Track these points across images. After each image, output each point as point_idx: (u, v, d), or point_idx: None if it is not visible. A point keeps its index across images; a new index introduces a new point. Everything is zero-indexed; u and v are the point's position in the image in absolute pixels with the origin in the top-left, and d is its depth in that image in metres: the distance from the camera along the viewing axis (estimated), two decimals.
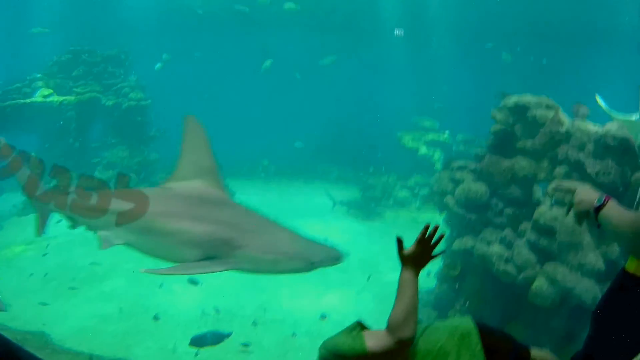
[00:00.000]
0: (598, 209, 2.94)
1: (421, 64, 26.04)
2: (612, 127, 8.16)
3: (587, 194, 3.12)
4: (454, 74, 26.97)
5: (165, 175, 16.16)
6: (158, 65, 22.05)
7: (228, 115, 29.16)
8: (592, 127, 8.62)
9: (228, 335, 8.72)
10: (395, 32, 25.92)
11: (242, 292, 11.31)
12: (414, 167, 20.49)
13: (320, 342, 2.73)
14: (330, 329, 3.20)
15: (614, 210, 2.85)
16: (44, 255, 13.23)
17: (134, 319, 10.20)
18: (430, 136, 21.94)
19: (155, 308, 10.56)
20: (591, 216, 3.02)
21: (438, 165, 20.25)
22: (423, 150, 21.09)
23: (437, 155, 20.93)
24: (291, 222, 13.43)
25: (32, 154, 16.35)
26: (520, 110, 9.58)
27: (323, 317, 10.44)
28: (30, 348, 7.95)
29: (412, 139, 21.70)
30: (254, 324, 10.21)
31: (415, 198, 19.45)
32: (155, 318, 10.28)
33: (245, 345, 9.41)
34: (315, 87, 27.25)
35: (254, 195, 19.43)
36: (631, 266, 2.79)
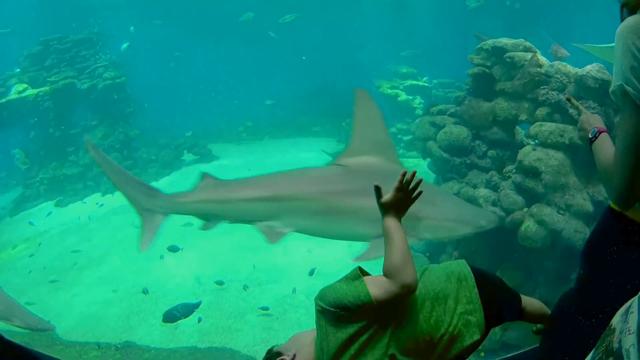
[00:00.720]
0: (591, 140, 2.96)
1: (395, 9, 25.76)
2: (592, 68, 8.22)
3: (589, 122, 3.15)
4: (429, 19, 26.78)
5: (148, 150, 16.20)
6: (124, 46, 21.73)
7: (201, 79, 29.06)
8: (572, 69, 8.68)
9: (197, 305, 8.83)
10: None
11: (236, 256, 11.43)
12: (395, 114, 20.41)
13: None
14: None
15: (603, 145, 2.87)
16: (39, 245, 13.37)
17: (134, 299, 10.27)
18: (409, 82, 21.84)
19: (153, 284, 10.64)
20: (587, 145, 3.05)
21: (419, 111, 20.16)
22: (402, 96, 20.98)
23: (417, 101, 20.86)
24: None
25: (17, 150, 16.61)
26: (497, 53, 9.67)
27: (312, 272, 10.49)
28: (40, 348, 8.06)
29: (390, 86, 21.61)
30: (245, 288, 10.32)
31: (398, 145, 19.41)
32: (147, 292, 10.38)
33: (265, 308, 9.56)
34: (290, 41, 27.00)
35: (240, 158, 19.51)
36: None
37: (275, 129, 23.51)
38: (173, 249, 11.00)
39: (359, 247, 4.94)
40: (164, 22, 27.30)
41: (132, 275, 11.14)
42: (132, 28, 24.24)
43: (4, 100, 17.33)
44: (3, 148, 18.73)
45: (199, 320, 9.19)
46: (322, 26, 27.55)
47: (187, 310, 8.62)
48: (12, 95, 17.47)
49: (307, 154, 19.59)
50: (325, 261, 10.74)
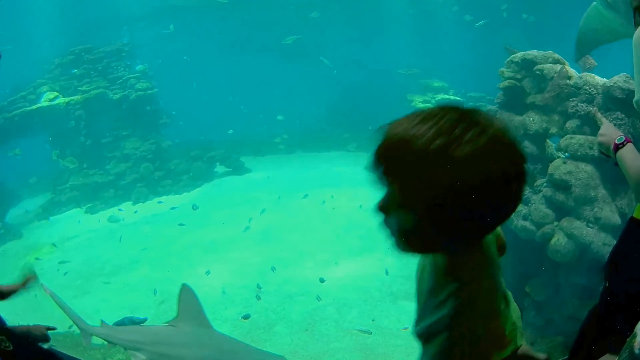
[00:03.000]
0: (617, 147, 2.94)
1: (425, 24, 25.68)
2: (619, 79, 8.10)
3: (610, 130, 3.13)
4: (458, 33, 26.68)
5: (180, 162, 16.32)
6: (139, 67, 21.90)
7: (233, 92, 29.16)
8: (600, 80, 8.59)
9: (143, 320, 8.98)
10: None
11: (266, 268, 11.41)
12: None
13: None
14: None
15: (630, 153, 2.85)
16: (67, 250, 13.54)
17: (162, 307, 10.32)
18: (441, 96, 21.81)
19: None
20: (610, 152, 3.02)
21: None
22: None
23: None
24: (316, 193, 13.25)
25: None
26: (527, 65, 9.58)
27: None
28: (63, 348, 8.10)
29: (422, 100, 21.59)
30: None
31: None
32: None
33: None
34: (323, 55, 27.08)
35: (272, 171, 19.52)
36: (638, 214, 2.81)
37: (308, 142, 23.41)
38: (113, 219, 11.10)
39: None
40: (195, 33, 27.56)
41: (161, 284, 11.14)
42: (185, 57, 24.53)
43: (34, 107, 17.66)
44: (33, 154, 19.00)
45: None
46: (355, 40, 27.52)
47: (133, 324, 8.82)
48: (43, 102, 17.79)
49: (340, 168, 19.60)
50: (357, 275, 10.75)
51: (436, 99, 21.74)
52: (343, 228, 13.29)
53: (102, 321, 9.00)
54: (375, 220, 1.73)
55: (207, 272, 11.29)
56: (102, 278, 11.86)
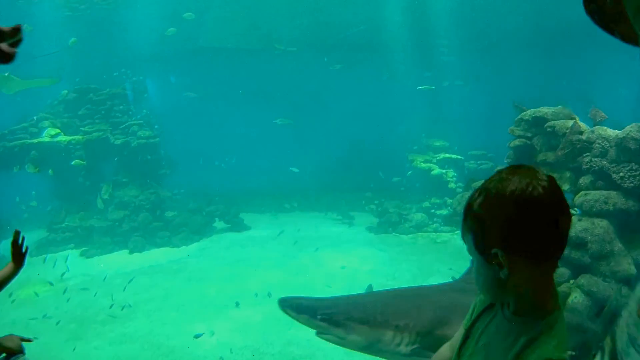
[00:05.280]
0: None
1: (426, 83, 25.82)
2: (631, 129, 8.10)
3: None
4: (459, 91, 26.85)
5: (179, 214, 16.16)
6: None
7: (234, 145, 29.12)
8: (612, 132, 8.56)
9: None
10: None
11: (269, 328, 10.99)
12: (428, 188, 20.31)
13: None
14: None
15: None
16: (60, 291, 13.16)
17: None
18: (442, 155, 21.78)
19: (181, 349, 10.28)
20: None
21: (452, 185, 20.10)
22: (436, 170, 20.88)
23: (450, 174, 20.74)
24: (313, 253, 13.27)
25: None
26: (538, 123, 9.57)
27: None
28: None
29: (423, 160, 21.54)
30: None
31: (431, 219, 19.23)
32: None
33: None
34: (325, 113, 27.19)
35: (271, 229, 19.32)
36: None
37: (306, 202, 23.36)
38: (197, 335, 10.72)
39: None
40: (199, 88, 27.66)
41: (158, 337, 10.78)
42: (172, 78, 24.52)
43: (35, 140, 17.57)
44: (27, 189, 18.83)
45: None
46: (357, 99, 27.66)
47: None
48: (44, 137, 17.70)
49: (339, 228, 19.56)
50: None
51: (437, 158, 21.68)
52: (347, 289, 12.93)
53: None
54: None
55: (211, 333, 10.83)
56: (96, 325, 11.46)
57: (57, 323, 11.34)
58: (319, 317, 4.75)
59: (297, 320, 4.84)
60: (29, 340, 3.71)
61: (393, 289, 5.58)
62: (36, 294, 13.17)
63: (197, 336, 10.59)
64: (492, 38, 24.43)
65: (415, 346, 4.59)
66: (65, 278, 14.25)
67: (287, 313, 4.95)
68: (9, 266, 3.86)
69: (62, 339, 10.68)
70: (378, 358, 5.01)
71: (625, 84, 23.86)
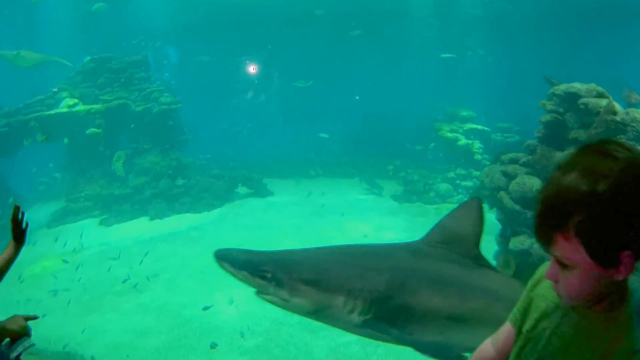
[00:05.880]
0: None
1: (453, 52, 25.33)
2: None
3: None
4: (484, 62, 26.40)
5: (201, 180, 15.96)
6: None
7: (258, 112, 28.91)
8: None
9: None
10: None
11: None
12: (454, 158, 19.92)
13: None
14: None
15: None
16: (76, 262, 12.86)
17: (175, 332, 9.69)
18: (469, 126, 21.37)
19: (198, 319, 10.08)
20: None
21: (478, 156, 19.73)
22: (462, 140, 20.49)
23: (477, 145, 20.33)
24: (336, 220, 12.99)
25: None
26: (570, 98, 9.26)
27: None
28: None
29: (450, 130, 21.14)
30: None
31: (456, 190, 18.86)
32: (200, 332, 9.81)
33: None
34: (353, 81, 26.85)
35: (294, 196, 19.11)
36: None
37: (330, 168, 23.01)
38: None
39: None
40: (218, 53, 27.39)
41: (176, 307, 10.58)
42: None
43: (53, 112, 17.30)
44: (44, 161, 18.70)
45: None
46: (384, 66, 27.27)
47: None
48: (62, 108, 17.40)
49: (363, 196, 19.29)
50: None
51: (464, 128, 21.25)
52: None
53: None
54: None
55: (230, 302, 10.57)
56: (111, 296, 11.28)
57: (69, 298, 11.12)
58: (259, 274, 4.10)
59: (236, 277, 4.16)
60: (34, 318, 3.40)
61: (348, 245, 4.88)
62: (50, 268, 12.94)
63: (205, 308, 10.37)
64: (523, 12, 23.81)
65: (369, 316, 4.03)
66: (79, 250, 14.06)
67: (224, 268, 4.23)
68: (10, 245, 3.53)
69: (76, 312, 10.49)
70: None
71: None
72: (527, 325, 2.26)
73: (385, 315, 4.05)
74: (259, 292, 4.19)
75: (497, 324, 4.07)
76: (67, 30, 23.21)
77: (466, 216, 4.62)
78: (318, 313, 4.14)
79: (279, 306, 4.19)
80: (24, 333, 3.23)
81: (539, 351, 2.16)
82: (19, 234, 3.54)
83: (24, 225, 3.56)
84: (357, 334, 4.27)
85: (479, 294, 4.28)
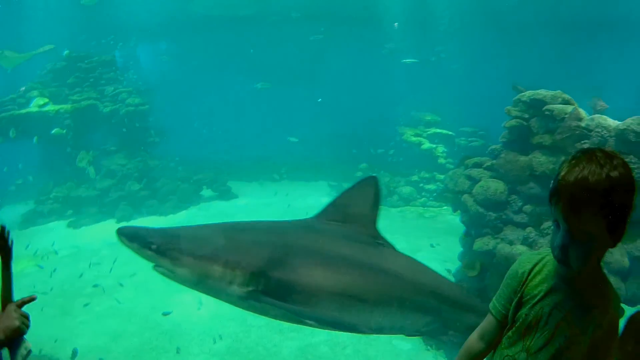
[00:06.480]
0: None
1: (422, 57, 25.67)
2: (632, 122, 8.05)
3: None
4: (452, 69, 26.84)
5: (167, 182, 15.99)
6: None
7: (224, 114, 28.95)
8: (612, 122, 8.50)
9: None
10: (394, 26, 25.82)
11: None
12: (418, 163, 20.24)
13: None
14: None
15: None
16: (47, 265, 13.00)
17: (146, 334, 9.84)
18: (433, 130, 21.70)
19: (169, 321, 10.23)
20: None
21: (442, 160, 20.06)
22: (426, 144, 20.81)
23: (440, 149, 20.67)
24: None
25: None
26: (535, 105, 9.48)
27: None
28: None
29: (414, 134, 21.45)
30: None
31: (420, 193, 19.19)
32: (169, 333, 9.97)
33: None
34: (317, 84, 27.07)
35: (259, 199, 19.25)
36: None
37: (296, 171, 23.18)
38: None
39: None
40: (189, 56, 27.41)
41: (146, 310, 10.71)
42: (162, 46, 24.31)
43: (23, 111, 17.25)
44: (15, 160, 18.59)
45: None
46: (348, 70, 27.58)
47: None
48: (32, 107, 17.37)
49: (328, 198, 19.21)
50: None
51: (428, 132, 21.60)
52: None
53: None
54: None
55: (199, 303, 10.72)
56: (83, 299, 11.34)
57: (43, 303, 10.90)
58: (147, 246, 4.28)
59: (130, 248, 4.37)
60: (31, 300, 3.05)
61: (245, 221, 5.03)
62: (22, 272, 12.95)
63: (165, 314, 10.44)
64: (488, 18, 24.25)
65: (250, 288, 4.12)
66: (51, 253, 14.07)
67: (121, 241, 4.45)
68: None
69: (50, 314, 10.55)
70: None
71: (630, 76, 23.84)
72: (524, 311, 2.62)
73: (269, 289, 4.13)
74: (155, 267, 4.37)
75: (399, 304, 4.36)
76: (47, 24, 23.01)
77: (362, 195, 4.80)
78: (200, 283, 4.28)
79: (170, 278, 4.35)
80: (24, 327, 2.86)
81: (548, 330, 2.55)
82: (5, 254, 3.21)
83: (9, 242, 3.20)
84: (243, 308, 4.37)
85: (374, 273, 4.40)
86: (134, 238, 4.38)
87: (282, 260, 4.23)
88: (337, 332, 9.77)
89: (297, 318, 4.12)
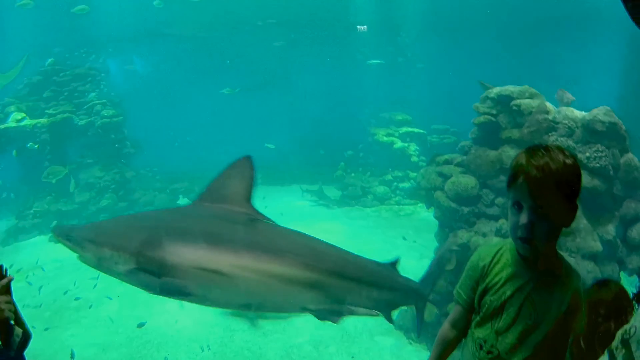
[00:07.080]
0: None
1: (389, 58, 25.93)
2: (598, 112, 8.32)
3: None
4: (417, 68, 27.15)
5: (144, 193, 15.97)
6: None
7: (199, 123, 28.97)
8: (579, 113, 8.76)
9: None
10: (358, 29, 26.07)
11: None
12: (391, 162, 20.49)
13: None
14: None
15: None
16: (32, 280, 13.08)
17: (134, 344, 9.99)
18: (404, 129, 21.96)
19: (153, 331, 10.39)
20: None
21: (414, 158, 20.35)
22: (398, 144, 21.09)
23: (413, 147, 20.97)
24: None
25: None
26: (503, 101, 9.68)
27: None
28: None
29: (386, 134, 21.71)
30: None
31: (394, 192, 19.46)
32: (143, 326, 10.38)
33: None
34: (288, 89, 27.23)
35: None
36: None
37: (272, 176, 23.23)
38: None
39: None
40: (166, 62, 27.42)
41: (132, 320, 10.80)
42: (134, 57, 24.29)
43: (2, 126, 17.22)
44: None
45: None
46: (319, 73, 27.77)
47: None
48: (10, 122, 17.35)
49: (302, 202, 19.84)
50: None
51: (400, 131, 21.86)
52: None
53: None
54: None
55: (181, 306, 10.92)
56: (70, 312, 11.46)
57: (33, 318, 11.19)
58: (67, 238, 4.92)
59: (60, 242, 5.03)
60: (9, 280, 3.12)
61: (140, 212, 5.85)
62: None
63: (140, 325, 10.59)
64: (455, 18, 24.57)
65: (131, 266, 4.64)
66: (37, 267, 14.10)
67: (54, 235, 5.32)
68: None
69: (40, 328, 10.62)
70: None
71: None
72: (488, 297, 2.90)
73: (145, 267, 4.60)
74: (78, 257, 4.96)
75: (267, 278, 4.62)
76: (21, 36, 22.90)
77: (236, 175, 5.23)
78: (98, 265, 4.82)
79: (86, 263, 4.95)
80: (10, 314, 2.90)
81: (513, 311, 2.83)
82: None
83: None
84: (129, 283, 4.83)
85: (239, 247, 4.68)
86: (60, 233, 5.06)
87: (155, 242, 4.66)
88: (319, 332, 10.03)
89: (167, 291, 4.68)
